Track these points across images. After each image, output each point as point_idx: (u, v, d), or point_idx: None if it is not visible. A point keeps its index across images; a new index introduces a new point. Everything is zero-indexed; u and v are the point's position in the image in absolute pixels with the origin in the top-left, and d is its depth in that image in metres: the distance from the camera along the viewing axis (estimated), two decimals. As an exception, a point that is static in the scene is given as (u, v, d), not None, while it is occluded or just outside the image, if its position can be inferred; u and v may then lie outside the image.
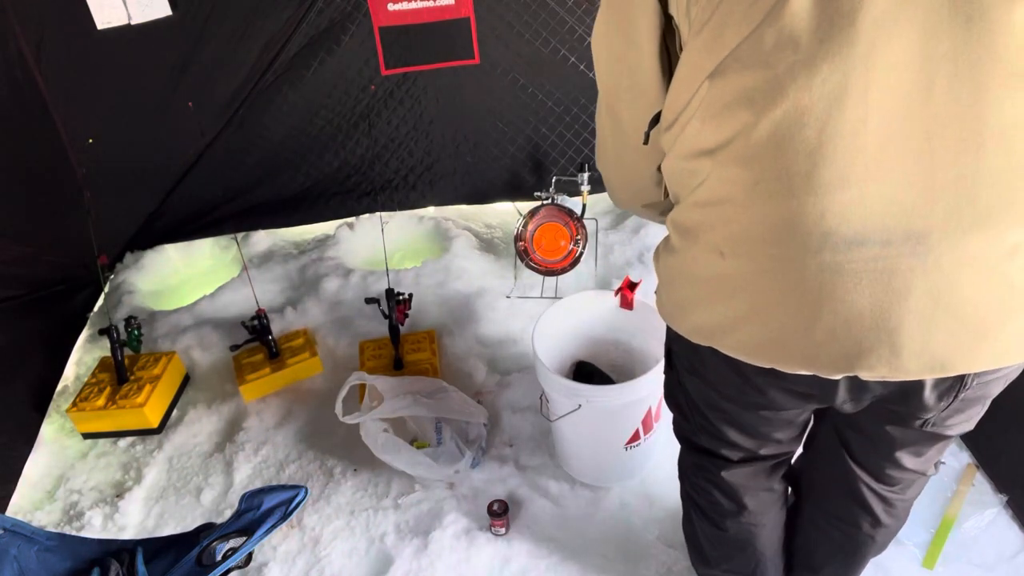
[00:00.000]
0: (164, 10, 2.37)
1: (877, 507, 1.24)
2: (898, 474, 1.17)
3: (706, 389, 1.13)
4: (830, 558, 1.41)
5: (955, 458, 1.95)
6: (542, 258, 2.47)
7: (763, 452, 1.23)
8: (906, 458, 1.13)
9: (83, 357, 2.60)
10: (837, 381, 0.93)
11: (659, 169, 1.03)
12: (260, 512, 1.42)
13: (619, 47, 0.92)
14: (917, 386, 0.92)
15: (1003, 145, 0.72)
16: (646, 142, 0.97)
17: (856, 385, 0.93)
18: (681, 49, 0.85)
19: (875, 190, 0.75)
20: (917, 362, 0.82)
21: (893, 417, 1.05)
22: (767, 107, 0.76)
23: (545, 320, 1.90)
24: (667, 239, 1.02)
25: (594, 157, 2.98)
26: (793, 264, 0.81)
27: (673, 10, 0.83)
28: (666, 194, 1.05)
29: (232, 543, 1.41)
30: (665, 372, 1.29)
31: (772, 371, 0.93)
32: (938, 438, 1.08)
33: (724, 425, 1.18)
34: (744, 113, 0.78)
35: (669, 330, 1.14)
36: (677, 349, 1.16)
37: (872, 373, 0.84)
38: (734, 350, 0.93)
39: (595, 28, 0.97)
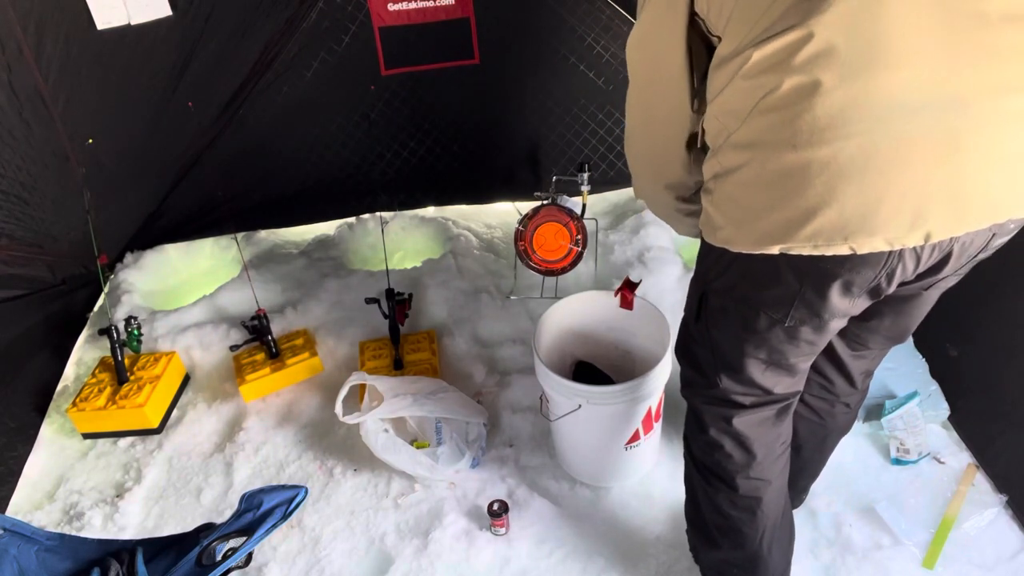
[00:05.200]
0: (164, 10, 2.36)
1: (855, 370, 1.45)
2: (874, 341, 1.38)
3: (746, 319, 1.17)
4: (809, 436, 1.58)
5: (955, 458, 1.95)
6: (542, 258, 2.47)
7: (777, 391, 1.28)
8: (893, 328, 1.33)
9: (83, 357, 2.60)
10: (900, 257, 1.00)
11: (687, 147, 1.17)
12: (260, 512, 1.42)
13: (655, 41, 1.09)
14: (953, 250, 1.03)
15: (1012, 22, 0.86)
16: (695, 98, 1.09)
17: (913, 257, 1.01)
18: (712, 34, 1.01)
19: (925, 66, 0.87)
20: (979, 211, 0.95)
21: (907, 300, 1.24)
22: (817, 12, 0.86)
23: (545, 320, 1.90)
24: (715, 175, 1.08)
25: (594, 157, 2.99)
26: (867, 138, 0.90)
27: (699, 8, 1.01)
28: (694, 163, 1.20)
29: (232, 543, 1.41)
30: (688, 324, 1.34)
31: (836, 265, 1.01)
32: (926, 302, 1.28)
33: (750, 360, 1.22)
34: (795, 17, 0.88)
35: (704, 273, 1.23)
36: (717, 287, 1.20)
37: (942, 227, 0.94)
38: (811, 240, 0.97)
39: (635, 31, 1.14)
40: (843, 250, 0.97)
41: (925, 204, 0.92)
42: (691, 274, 2.20)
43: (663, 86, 1.12)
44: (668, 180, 1.26)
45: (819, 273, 1.04)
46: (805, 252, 0.99)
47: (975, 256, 1.09)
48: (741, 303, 1.17)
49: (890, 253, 0.99)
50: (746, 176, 1.02)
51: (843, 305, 1.10)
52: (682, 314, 1.38)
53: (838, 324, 1.17)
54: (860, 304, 1.13)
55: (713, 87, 1.04)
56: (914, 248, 0.99)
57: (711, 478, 1.43)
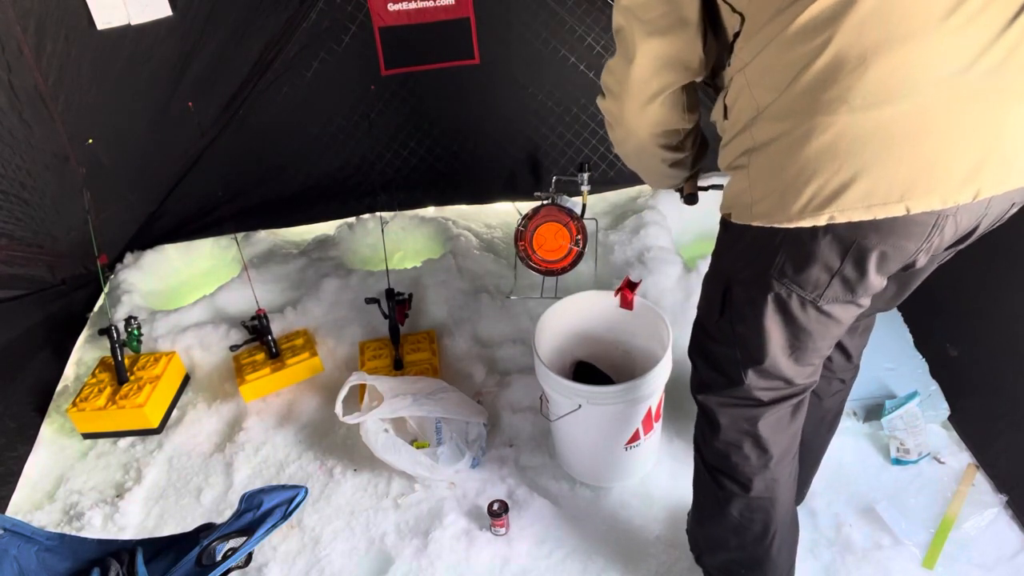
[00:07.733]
0: (164, 10, 2.37)
1: (851, 347, 1.49)
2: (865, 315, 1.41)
3: (777, 303, 1.15)
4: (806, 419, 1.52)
5: (955, 458, 1.95)
6: (542, 258, 2.47)
7: (798, 380, 1.27)
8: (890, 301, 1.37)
9: (83, 357, 2.60)
10: (942, 229, 1.02)
11: (684, 90, 1.18)
12: (260, 512, 1.42)
13: None
14: (983, 221, 1.06)
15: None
16: (706, 40, 1.10)
17: (952, 226, 1.03)
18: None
19: (951, 37, 0.90)
20: (1021, 168, 0.97)
21: (915, 273, 1.26)
22: None
23: (545, 320, 1.90)
24: (747, 150, 1.07)
25: (594, 157, 2.98)
26: (915, 100, 0.92)
27: None
28: (687, 114, 1.23)
29: (232, 543, 1.41)
30: (705, 324, 1.32)
31: (879, 239, 1.01)
32: (927, 274, 1.30)
33: (778, 349, 1.20)
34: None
35: (728, 265, 1.22)
36: (745, 276, 1.18)
37: (991, 183, 0.96)
38: (862, 201, 0.97)
39: None
40: (898, 210, 0.97)
41: (978, 160, 0.94)
42: (691, 274, 2.20)
43: (675, 30, 1.11)
44: (665, 127, 1.26)
45: (860, 248, 1.03)
46: (855, 217, 0.98)
47: (991, 227, 1.12)
48: (773, 287, 1.14)
49: (934, 225, 1.00)
50: (788, 144, 1.00)
51: (877, 282, 1.10)
52: (682, 314, 1.38)
53: (865, 302, 1.16)
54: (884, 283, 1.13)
55: (740, 58, 1.04)
56: (954, 217, 1.01)
57: (725, 481, 1.40)
